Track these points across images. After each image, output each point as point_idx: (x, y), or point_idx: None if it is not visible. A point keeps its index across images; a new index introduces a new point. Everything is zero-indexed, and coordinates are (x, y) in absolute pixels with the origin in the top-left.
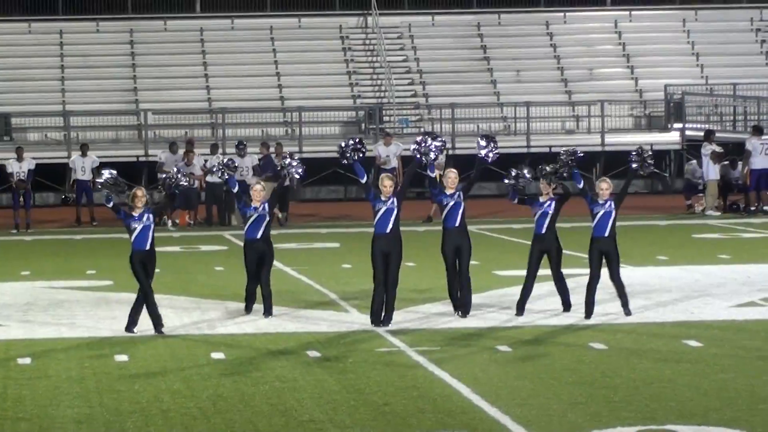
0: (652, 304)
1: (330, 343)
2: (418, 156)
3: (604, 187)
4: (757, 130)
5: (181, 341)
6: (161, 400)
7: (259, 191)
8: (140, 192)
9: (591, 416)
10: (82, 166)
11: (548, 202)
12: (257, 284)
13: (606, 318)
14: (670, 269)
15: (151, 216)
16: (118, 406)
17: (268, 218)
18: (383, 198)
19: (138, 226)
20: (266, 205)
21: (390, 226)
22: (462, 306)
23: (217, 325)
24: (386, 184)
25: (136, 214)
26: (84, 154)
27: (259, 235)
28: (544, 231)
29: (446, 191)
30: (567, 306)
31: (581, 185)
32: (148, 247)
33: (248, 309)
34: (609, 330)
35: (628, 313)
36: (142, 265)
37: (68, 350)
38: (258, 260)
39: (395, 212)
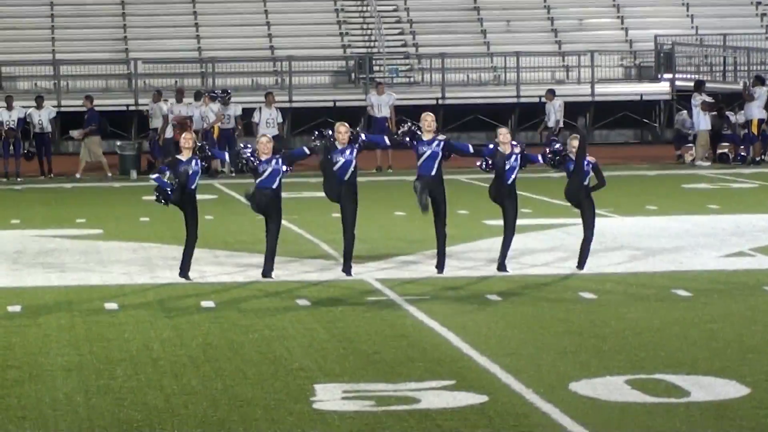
0: (641, 254)
1: (319, 292)
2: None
3: (575, 144)
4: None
5: (170, 289)
6: (151, 348)
7: (266, 143)
8: (189, 135)
9: (580, 365)
10: (39, 120)
11: (514, 156)
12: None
13: (596, 268)
14: (660, 219)
15: (198, 162)
16: (108, 354)
17: (282, 171)
18: (339, 147)
19: (189, 170)
20: (280, 159)
21: (348, 174)
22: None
23: (207, 274)
24: (341, 130)
25: (184, 158)
26: (40, 107)
27: (274, 186)
28: (509, 183)
29: (424, 138)
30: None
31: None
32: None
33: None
34: (598, 280)
35: (580, 268)
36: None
37: (58, 298)
38: (266, 206)
39: (353, 163)
